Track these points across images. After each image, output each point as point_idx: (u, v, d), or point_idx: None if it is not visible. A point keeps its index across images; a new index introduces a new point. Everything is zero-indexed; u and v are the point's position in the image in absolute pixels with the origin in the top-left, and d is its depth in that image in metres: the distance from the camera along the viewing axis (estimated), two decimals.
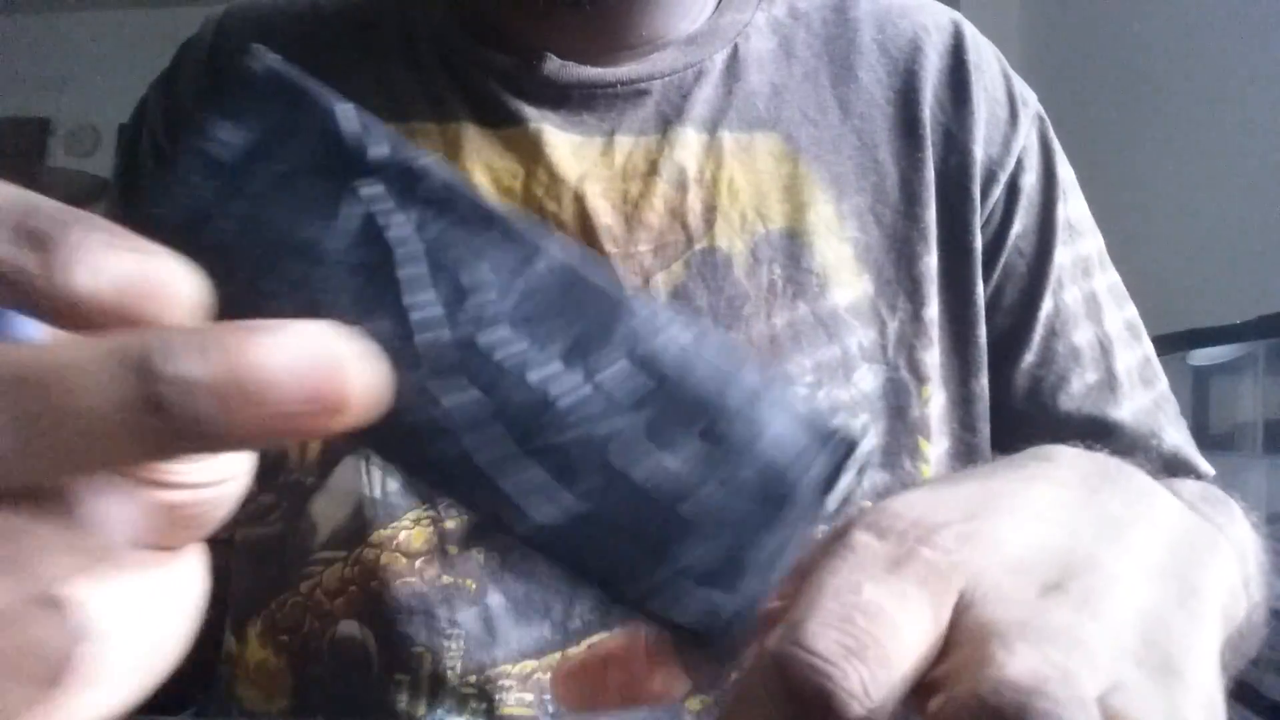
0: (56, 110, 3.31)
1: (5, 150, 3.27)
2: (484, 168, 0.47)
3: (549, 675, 0.41)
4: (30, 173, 3.18)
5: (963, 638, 0.17)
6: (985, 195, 0.49)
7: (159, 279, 0.16)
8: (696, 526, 0.18)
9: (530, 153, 0.47)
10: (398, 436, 0.17)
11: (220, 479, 0.18)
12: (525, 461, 0.17)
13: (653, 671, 0.22)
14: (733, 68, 0.49)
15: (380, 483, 0.42)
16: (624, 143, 0.47)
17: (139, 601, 0.19)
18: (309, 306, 0.17)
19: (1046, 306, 0.49)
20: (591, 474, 0.18)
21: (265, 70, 0.18)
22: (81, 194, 3.15)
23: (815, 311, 0.45)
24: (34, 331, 0.17)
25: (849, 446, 0.19)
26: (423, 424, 0.17)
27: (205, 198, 0.18)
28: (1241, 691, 0.27)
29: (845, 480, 0.19)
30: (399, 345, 0.17)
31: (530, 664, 0.41)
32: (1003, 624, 0.17)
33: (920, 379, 0.46)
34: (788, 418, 0.19)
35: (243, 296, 0.17)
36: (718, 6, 0.52)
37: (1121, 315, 0.52)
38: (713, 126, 0.48)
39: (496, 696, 0.40)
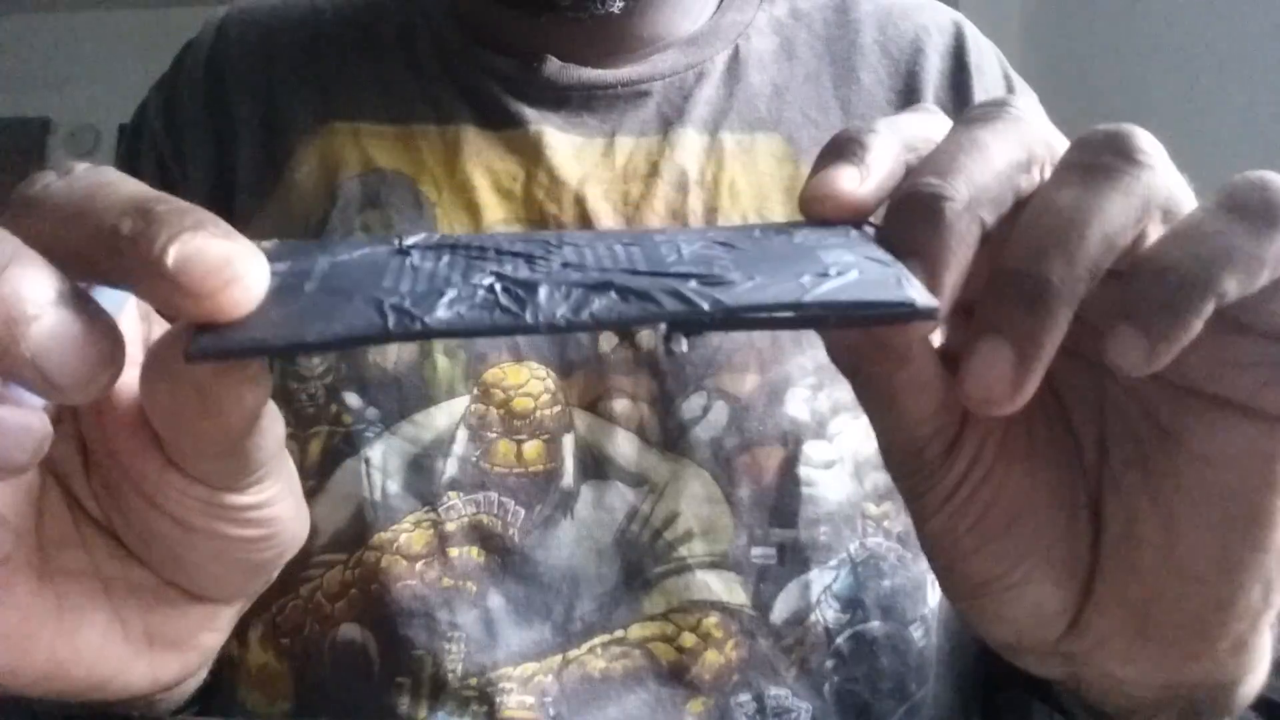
0: (56, 110, 3.31)
1: (5, 150, 3.27)
2: (484, 170, 0.47)
3: (549, 677, 0.41)
4: (30, 173, 3.19)
5: None
6: None
7: (233, 269, 0.18)
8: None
9: (531, 155, 0.47)
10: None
11: None
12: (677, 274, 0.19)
13: None
14: (734, 68, 0.49)
15: (380, 486, 0.42)
16: (625, 144, 0.47)
17: None
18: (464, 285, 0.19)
19: None
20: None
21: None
22: None
23: None
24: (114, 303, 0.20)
25: None
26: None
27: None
28: None
29: None
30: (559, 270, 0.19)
31: (531, 666, 0.41)
32: None
33: None
34: None
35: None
36: (719, 6, 0.52)
37: None
38: (714, 128, 0.48)
39: (497, 699, 0.40)
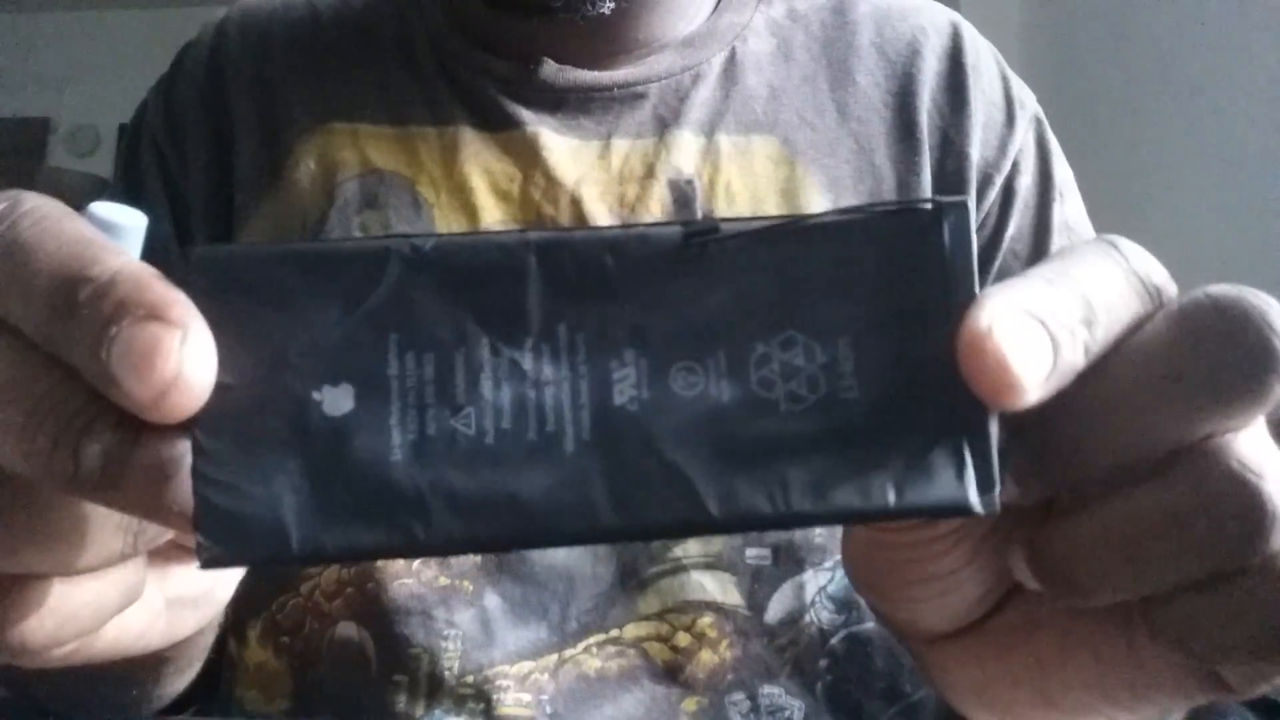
0: (56, 110, 3.31)
1: (5, 150, 3.27)
2: (482, 171, 0.47)
3: (546, 676, 0.41)
4: (30, 173, 3.19)
5: None
6: (980, 198, 0.49)
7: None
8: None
9: (528, 156, 0.47)
10: None
11: None
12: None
13: None
14: (730, 70, 0.49)
15: None
16: (621, 146, 0.47)
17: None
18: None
19: None
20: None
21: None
22: (81, 194, 3.15)
23: None
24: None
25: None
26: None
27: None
28: None
29: None
30: None
31: (527, 665, 0.41)
32: None
33: None
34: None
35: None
36: (716, 7, 0.52)
37: None
38: (710, 130, 0.48)
39: (494, 697, 0.41)
